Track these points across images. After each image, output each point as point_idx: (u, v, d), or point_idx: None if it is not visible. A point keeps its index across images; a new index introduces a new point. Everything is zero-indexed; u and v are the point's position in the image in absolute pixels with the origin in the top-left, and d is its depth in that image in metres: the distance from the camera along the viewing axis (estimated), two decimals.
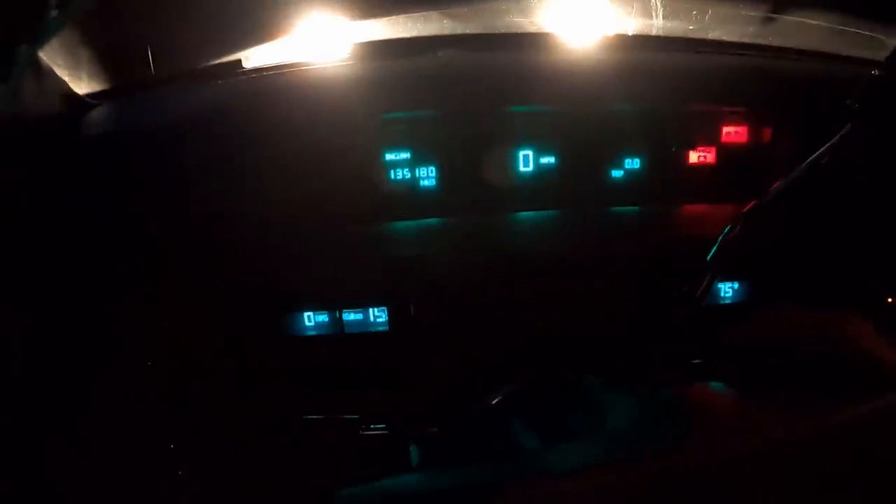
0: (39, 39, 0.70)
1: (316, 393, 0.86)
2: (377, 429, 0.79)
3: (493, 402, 0.62)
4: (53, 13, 0.51)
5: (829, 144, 0.67)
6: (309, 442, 0.81)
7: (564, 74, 0.96)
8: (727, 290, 0.98)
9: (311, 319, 0.90)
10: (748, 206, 0.75)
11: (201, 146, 0.89)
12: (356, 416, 0.79)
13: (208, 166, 0.87)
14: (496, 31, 1.20)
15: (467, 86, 0.94)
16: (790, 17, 1.31)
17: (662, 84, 0.98)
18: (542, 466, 0.44)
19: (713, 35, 1.28)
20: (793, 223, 0.85)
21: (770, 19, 1.33)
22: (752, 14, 1.33)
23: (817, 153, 0.68)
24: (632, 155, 0.99)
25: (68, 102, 0.89)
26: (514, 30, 1.23)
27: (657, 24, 1.32)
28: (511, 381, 0.66)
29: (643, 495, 0.33)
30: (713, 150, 1.00)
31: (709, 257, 0.74)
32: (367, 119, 0.93)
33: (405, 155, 0.94)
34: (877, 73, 0.67)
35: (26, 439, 0.77)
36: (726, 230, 0.75)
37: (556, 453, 0.45)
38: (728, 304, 0.97)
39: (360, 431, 0.80)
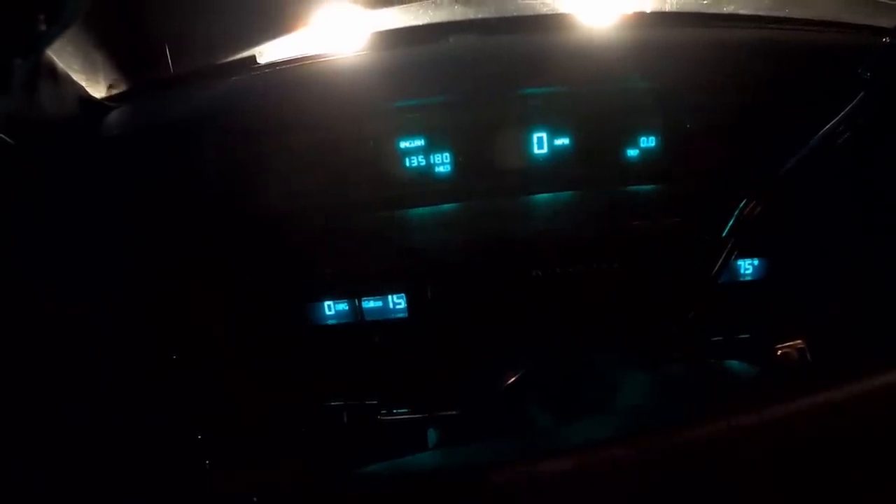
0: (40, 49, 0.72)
1: (336, 379, 0.87)
2: (397, 413, 0.80)
3: (509, 382, 0.63)
4: (43, 27, 0.51)
5: (842, 114, 0.66)
6: (330, 427, 0.82)
7: (577, 54, 0.96)
8: (747, 266, 0.98)
9: (332, 308, 0.91)
10: (763, 180, 0.75)
11: (219, 142, 0.90)
12: (375, 402, 0.81)
13: (227, 161, 0.89)
14: (508, 15, 1.20)
15: (478, 69, 0.94)
16: None
17: (676, 60, 0.97)
18: (552, 443, 0.44)
19: (728, 9, 1.27)
20: (809, 196, 0.84)
21: None
22: None
23: (831, 123, 0.68)
24: (647, 133, 0.98)
25: (86, 106, 0.90)
26: (526, 12, 1.22)
27: (671, 0, 1.31)
28: (526, 361, 0.66)
29: (645, 470, 0.34)
30: (728, 124, 0.98)
31: (724, 233, 0.74)
32: (382, 108, 0.93)
33: (420, 142, 0.95)
34: (888, 41, 0.66)
35: (68, 428, 0.79)
36: (741, 205, 0.75)
37: (567, 430, 0.45)
38: (749, 280, 0.97)
39: (379, 416, 0.81)
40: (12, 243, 0.76)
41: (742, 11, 1.24)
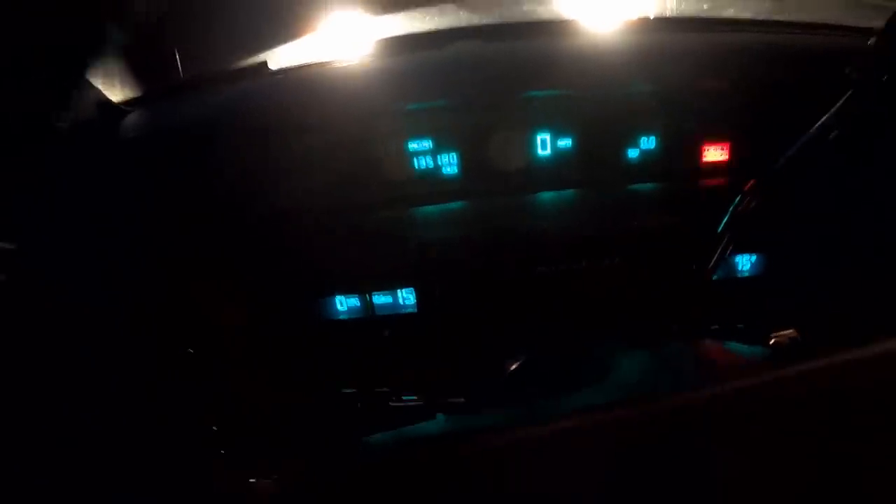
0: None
1: (348, 370, 0.90)
2: (407, 400, 0.84)
3: (512, 368, 0.66)
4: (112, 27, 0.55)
5: (830, 112, 0.70)
6: (343, 413, 0.86)
7: (579, 58, 1.00)
8: (745, 262, 1.01)
9: (343, 303, 0.94)
10: (756, 178, 0.78)
11: (234, 145, 0.94)
12: (386, 389, 0.84)
13: (242, 162, 0.92)
14: (512, 21, 1.24)
15: (483, 73, 0.97)
16: None
17: (676, 64, 1.00)
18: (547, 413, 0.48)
19: (727, 14, 1.30)
20: (803, 192, 0.87)
21: None
22: None
23: (820, 122, 0.71)
24: (647, 134, 1.02)
25: (104, 109, 0.94)
26: (529, 18, 1.25)
27: (671, 6, 1.34)
28: (529, 351, 0.70)
29: (641, 431, 0.37)
30: (727, 126, 1.02)
31: (719, 229, 0.78)
32: (390, 111, 0.97)
33: (427, 144, 0.98)
34: (872, 43, 0.69)
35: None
36: (736, 201, 0.78)
37: (566, 401, 0.48)
38: (746, 276, 1.00)
39: (391, 402, 0.84)
40: (28, 241, 0.79)
41: (741, 16, 1.28)
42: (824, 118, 0.71)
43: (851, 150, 0.77)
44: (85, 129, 0.90)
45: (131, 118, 0.97)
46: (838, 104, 0.70)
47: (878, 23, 1.09)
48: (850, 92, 0.70)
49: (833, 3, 1.27)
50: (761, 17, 1.27)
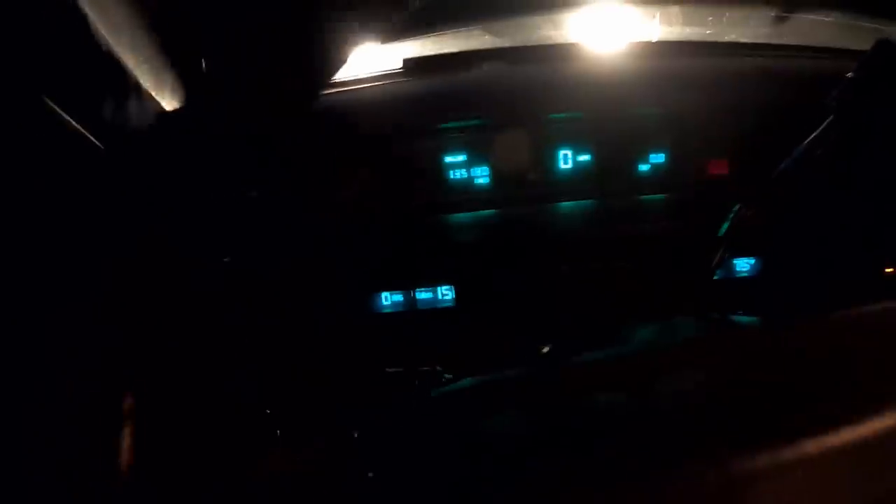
0: None
1: (394, 356, 1.02)
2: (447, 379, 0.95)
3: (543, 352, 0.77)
4: None
5: (812, 136, 0.81)
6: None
7: (595, 83, 1.12)
8: (744, 265, 1.14)
9: (388, 298, 1.07)
10: (754, 189, 0.90)
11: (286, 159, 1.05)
12: (428, 369, 0.95)
13: (302, 173, 1.04)
14: (531, 44, 1.35)
15: (512, 97, 1.10)
16: (803, 16, 1.41)
17: (681, 89, 1.13)
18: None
19: (729, 38, 1.40)
20: (793, 202, 0.98)
21: (782, 18, 1.44)
22: (765, 15, 1.44)
23: (805, 142, 0.82)
24: (656, 151, 1.14)
25: (160, 118, 1.04)
26: (546, 42, 1.38)
27: (675, 31, 1.45)
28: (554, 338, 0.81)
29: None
30: (727, 143, 1.14)
31: (720, 233, 0.90)
32: (430, 128, 1.10)
33: (462, 157, 1.11)
34: (851, 76, 0.79)
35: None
36: (736, 208, 0.90)
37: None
38: (745, 276, 1.13)
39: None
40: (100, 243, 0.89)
41: (741, 40, 1.38)
42: (808, 139, 0.82)
43: (833, 169, 0.88)
44: (145, 135, 1.00)
45: (188, 125, 1.08)
46: (819, 130, 0.81)
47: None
48: (829, 119, 0.81)
49: (832, 27, 1.33)
50: (761, 40, 1.38)
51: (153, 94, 0.99)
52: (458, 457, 0.48)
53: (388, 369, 0.99)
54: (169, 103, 1.07)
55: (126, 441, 0.62)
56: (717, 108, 1.13)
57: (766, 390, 0.46)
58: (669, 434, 0.44)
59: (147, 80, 0.99)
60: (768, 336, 0.56)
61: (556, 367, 0.56)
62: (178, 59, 1.06)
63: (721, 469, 0.40)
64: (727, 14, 1.45)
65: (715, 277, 1.05)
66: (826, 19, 1.32)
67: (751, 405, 0.45)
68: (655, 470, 0.41)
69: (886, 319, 0.53)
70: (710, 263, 0.92)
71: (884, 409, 0.42)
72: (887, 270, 1.11)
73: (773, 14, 1.38)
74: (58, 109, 0.72)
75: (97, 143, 0.82)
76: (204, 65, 1.11)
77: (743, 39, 1.37)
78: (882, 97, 0.80)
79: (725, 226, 0.90)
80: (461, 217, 1.11)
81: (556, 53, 1.26)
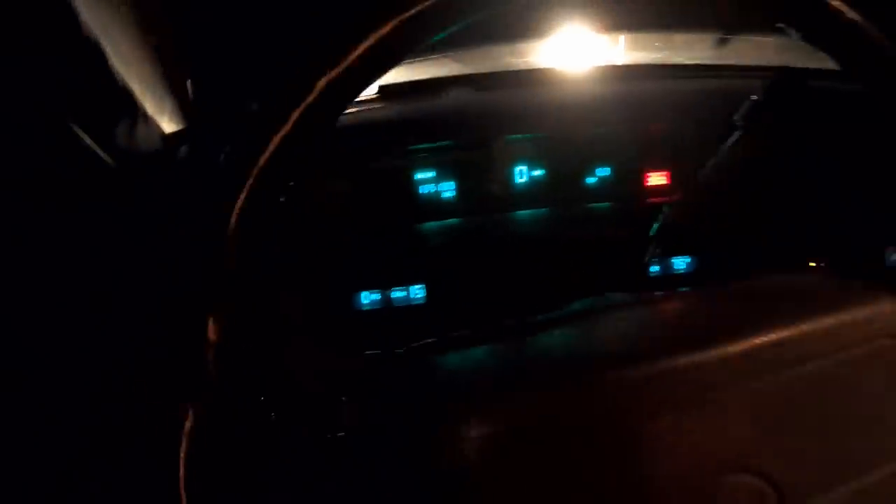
0: None
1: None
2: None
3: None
4: None
5: (722, 147, 0.95)
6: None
7: (549, 106, 1.27)
8: (680, 263, 1.29)
9: (367, 297, 1.21)
10: (681, 192, 1.04)
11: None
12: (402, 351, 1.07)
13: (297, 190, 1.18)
14: (494, 71, 1.50)
15: (476, 120, 1.25)
16: (746, 37, 1.53)
17: (624, 110, 1.27)
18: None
19: (676, 60, 1.54)
20: (719, 205, 1.12)
21: (724, 40, 1.58)
22: (707, 37, 1.57)
23: (718, 154, 0.96)
24: (603, 165, 1.28)
25: (163, 140, 1.07)
26: (508, 68, 1.52)
27: (631, 55, 1.60)
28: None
29: None
30: (666, 157, 1.28)
31: (651, 233, 1.04)
32: (401, 150, 1.24)
33: (431, 174, 1.24)
34: (754, 98, 0.92)
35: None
36: (664, 210, 1.04)
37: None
38: (681, 273, 1.28)
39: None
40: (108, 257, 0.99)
41: (688, 62, 1.51)
42: (719, 152, 0.96)
43: (747, 176, 1.01)
44: (150, 155, 1.09)
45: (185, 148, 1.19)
46: (728, 143, 0.95)
47: (816, 63, 1.30)
48: (735, 133, 0.94)
49: (770, 47, 1.44)
50: (707, 61, 1.50)
51: (155, 117, 1.11)
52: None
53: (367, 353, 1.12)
54: (168, 125, 1.19)
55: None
56: (657, 127, 1.28)
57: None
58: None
59: (150, 105, 1.11)
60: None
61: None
62: (176, 86, 1.18)
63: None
64: (674, 38, 1.61)
65: (652, 271, 1.21)
66: (765, 39, 1.45)
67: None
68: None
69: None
70: (642, 260, 1.06)
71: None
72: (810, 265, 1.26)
73: (717, 37, 1.52)
74: (80, 133, 0.83)
75: (108, 159, 0.92)
76: (190, 91, 1.22)
77: (690, 61, 1.50)
78: (780, 116, 0.94)
79: (656, 226, 1.04)
80: (431, 225, 1.24)
81: (516, 79, 1.41)
